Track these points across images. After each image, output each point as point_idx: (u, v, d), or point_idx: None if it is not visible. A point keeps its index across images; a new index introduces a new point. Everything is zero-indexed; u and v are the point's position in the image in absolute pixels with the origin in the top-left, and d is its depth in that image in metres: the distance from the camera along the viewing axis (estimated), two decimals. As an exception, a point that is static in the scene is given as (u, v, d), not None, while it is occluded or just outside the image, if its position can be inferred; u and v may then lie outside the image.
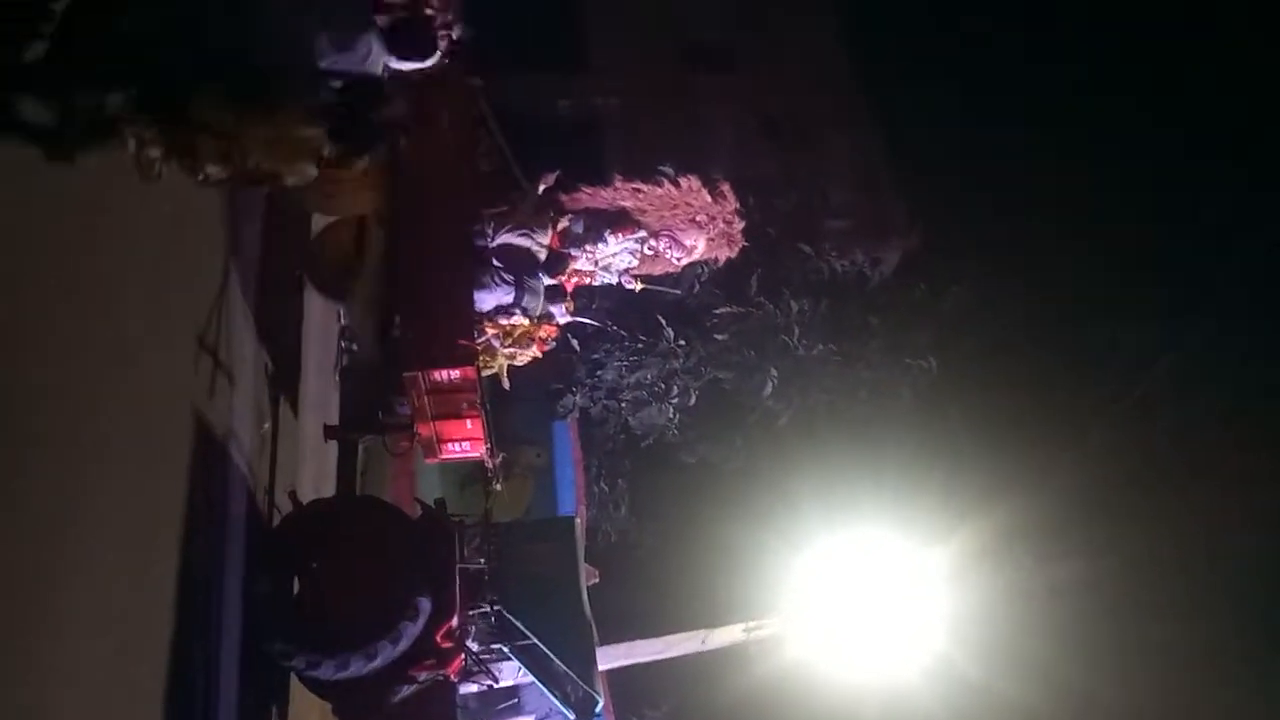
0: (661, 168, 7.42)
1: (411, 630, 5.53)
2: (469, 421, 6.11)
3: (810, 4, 18.72)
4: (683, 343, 13.00)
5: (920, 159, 15.99)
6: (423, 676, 5.66)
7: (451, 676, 5.82)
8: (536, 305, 6.73)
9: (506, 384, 7.02)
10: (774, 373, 12.98)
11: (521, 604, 6.04)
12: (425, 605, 5.60)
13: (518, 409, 10.92)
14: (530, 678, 6.18)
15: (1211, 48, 15.04)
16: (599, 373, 13.29)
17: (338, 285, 6.80)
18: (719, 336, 13.01)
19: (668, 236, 7.27)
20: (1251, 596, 13.39)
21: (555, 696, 6.13)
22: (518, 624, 5.97)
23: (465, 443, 6.26)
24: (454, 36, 5.22)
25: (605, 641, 6.88)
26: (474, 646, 5.95)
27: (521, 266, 6.68)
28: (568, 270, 7.09)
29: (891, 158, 17.02)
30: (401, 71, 5.18)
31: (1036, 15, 15.91)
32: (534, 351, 7.03)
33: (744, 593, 9.24)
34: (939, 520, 9.93)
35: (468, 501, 8.28)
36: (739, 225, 7.37)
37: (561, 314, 7.12)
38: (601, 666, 6.65)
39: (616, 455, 14.42)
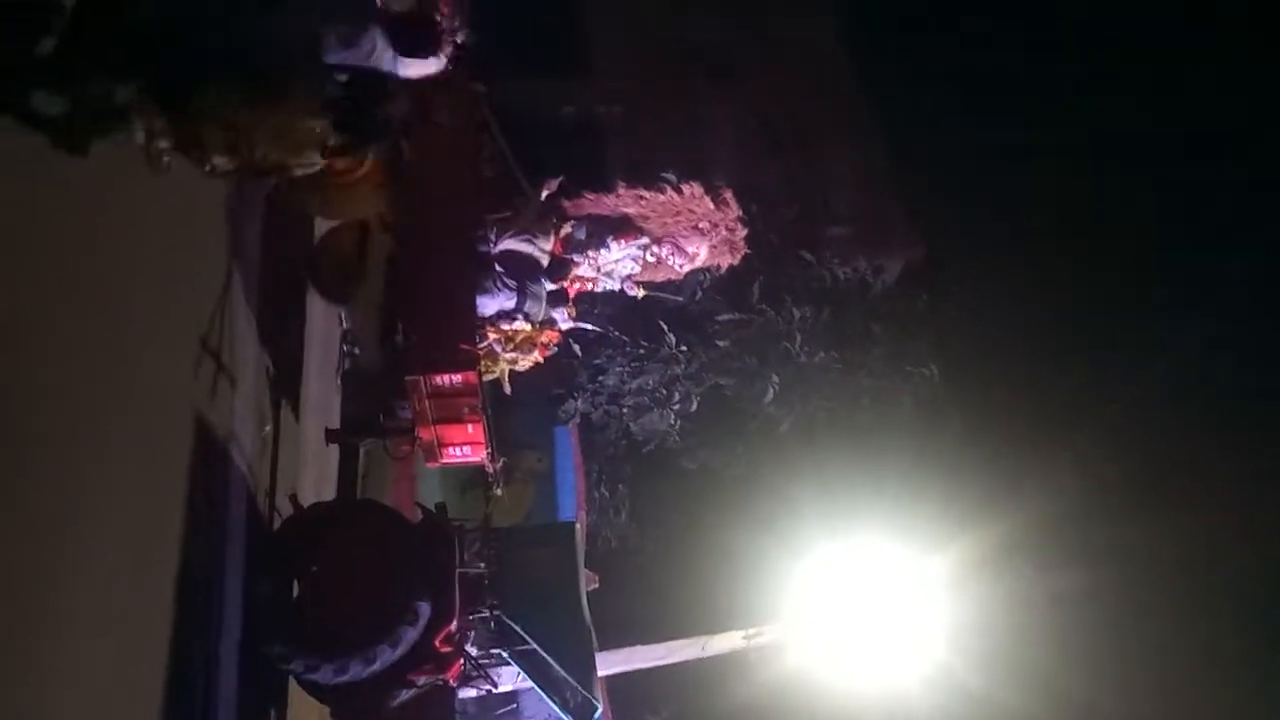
0: (664, 175, 7.43)
1: (411, 634, 5.53)
2: (470, 426, 6.12)
3: (813, 12, 18.76)
4: (684, 349, 13.01)
5: (923, 167, 16.02)
6: (421, 681, 5.66)
7: (450, 681, 5.82)
8: (538, 311, 6.74)
9: (508, 389, 7.03)
10: (775, 379, 12.98)
11: (521, 609, 6.04)
12: (425, 609, 5.60)
13: (519, 414, 10.92)
14: (529, 683, 6.17)
15: (1211, 48, 15.05)
16: (600, 378, 13.30)
17: (340, 289, 6.81)
18: (721, 343, 13.02)
19: (670, 243, 7.29)
20: (1252, 601, 13.37)
21: (554, 702, 6.12)
22: (517, 629, 5.96)
23: (466, 447, 6.26)
24: (459, 41, 5.24)
25: (605, 647, 6.88)
26: (473, 651, 5.95)
27: (524, 272, 6.69)
28: (570, 276, 7.11)
29: (894, 166, 17.04)
30: (409, 77, 5.22)
31: (1038, 21, 15.94)
32: (536, 357, 7.03)
33: (744, 599, 9.22)
34: (939, 528, 9.92)
35: (468, 506, 8.28)
36: (741, 232, 7.39)
37: (563, 319, 7.13)
38: (601, 672, 6.65)
39: (617, 461, 14.42)
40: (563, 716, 6.18)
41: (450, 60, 5.53)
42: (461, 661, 5.83)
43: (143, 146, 3.31)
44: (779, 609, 8.29)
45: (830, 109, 17.72)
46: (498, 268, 6.65)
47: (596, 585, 6.89)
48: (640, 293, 7.56)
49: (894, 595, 8.16)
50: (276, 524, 6.31)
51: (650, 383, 13.14)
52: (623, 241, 7.19)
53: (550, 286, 6.90)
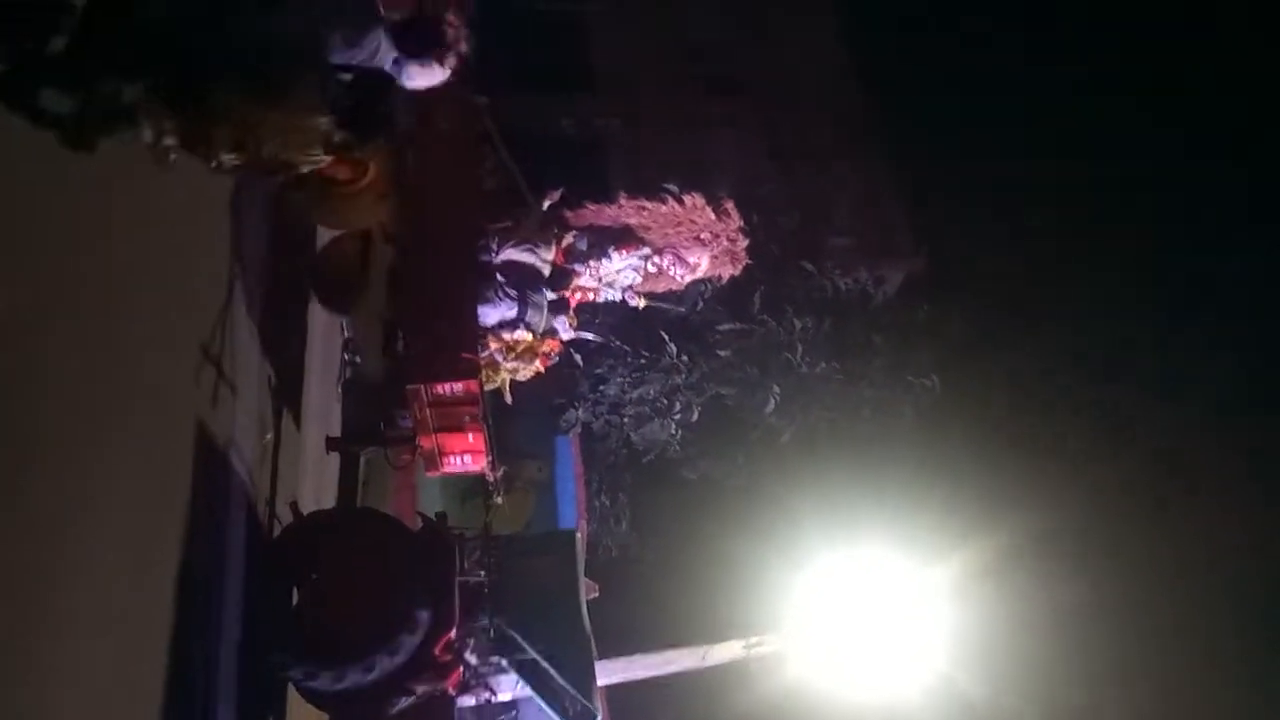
0: (666, 185, 7.48)
1: (410, 643, 5.53)
2: (471, 435, 6.13)
3: (814, 23, 18.85)
4: (685, 359, 13.03)
5: (924, 178, 16.07)
6: (421, 689, 5.65)
7: (450, 690, 5.81)
8: (540, 320, 6.77)
9: (509, 398, 7.05)
10: (776, 390, 12.99)
11: (521, 618, 6.04)
12: (424, 618, 5.60)
13: (520, 423, 10.93)
14: (529, 692, 6.16)
15: (1211, 48, 15.07)
16: (601, 388, 13.32)
17: (342, 298, 6.84)
18: (722, 353, 13.04)
19: (671, 253, 7.33)
20: (1256, 610, 13.32)
21: (554, 711, 6.11)
22: (517, 638, 5.96)
23: (467, 456, 6.28)
24: (462, 52, 5.29)
25: (604, 656, 6.86)
26: (473, 660, 5.94)
27: (525, 282, 6.73)
28: (571, 286, 7.14)
29: (895, 176, 17.09)
30: (413, 89, 5.27)
31: (1040, 26, 16.00)
32: (537, 366, 7.06)
33: (745, 609, 9.21)
34: (940, 538, 9.90)
35: (469, 514, 8.28)
36: (742, 243, 7.43)
37: (565, 329, 7.16)
38: (600, 681, 6.63)
39: (618, 470, 14.43)
40: (562, 726, 6.17)
41: (453, 72, 5.58)
42: (461, 670, 5.83)
43: (150, 145, 3.37)
44: (780, 619, 8.27)
45: (832, 120, 17.78)
46: (499, 277, 6.68)
47: (596, 594, 6.89)
48: (641, 303, 7.59)
49: (895, 606, 8.14)
50: (276, 532, 6.32)
51: (651, 392, 13.15)
52: (624, 252, 7.23)
53: (551, 296, 6.93)
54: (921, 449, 13.56)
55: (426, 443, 6.13)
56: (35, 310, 3.45)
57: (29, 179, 3.39)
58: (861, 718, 8.76)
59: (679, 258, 7.36)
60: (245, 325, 6.00)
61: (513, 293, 6.68)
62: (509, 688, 6.17)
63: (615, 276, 7.35)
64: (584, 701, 6.06)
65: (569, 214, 7.09)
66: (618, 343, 12.81)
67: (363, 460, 7.33)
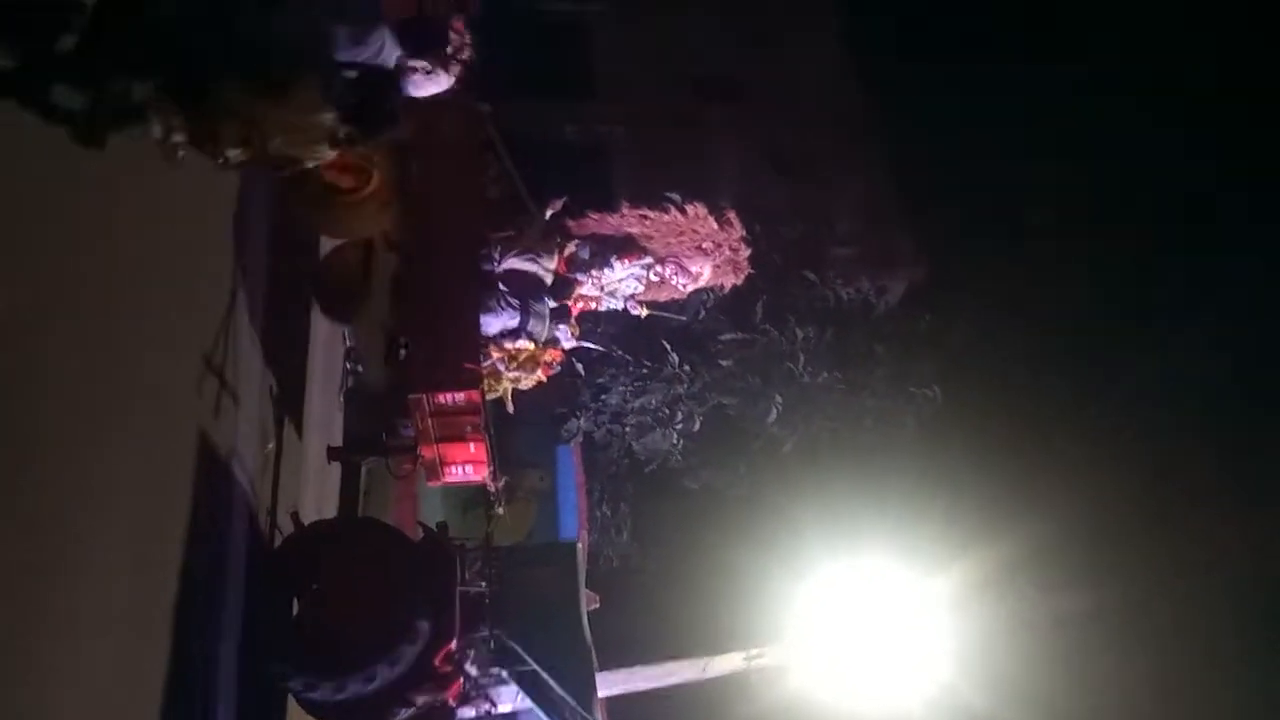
0: (668, 194, 7.48)
1: (410, 653, 5.51)
2: (473, 445, 6.12)
3: (818, 33, 18.89)
4: (687, 368, 13.03)
5: (926, 188, 16.07)
6: (421, 701, 5.63)
7: (450, 701, 5.79)
8: (542, 330, 6.76)
9: (511, 407, 7.04)
10: (778, 400, 12.98)
11: (521, 628, 6.01)
12: (425, 628, 5.58)
13: (521, 432, 10.92)
14: (529, 703, 6.13)
15: (1211, 48, 15.07)
16: (603, 397, 13.31)
17: (344, 307, 6.83)
18: (724, 363, 13.03)
19: (674, 263, 7.33)
20: (1257, 620, 13.26)
21: (554, 722, 6.08)
22: (517, 649, 5.94)
23: (468, 466, 6.26)
24: (466, 58, 5.30)
25: (605, 667, 6.83)
26: (473, 671, 5.92)
27: (527, 291, 6.72)
28: (573, 295, 7.14)
29: (898, 187, 17.11)
30: (416, 96, 5.29)
31: (1049, 48, 16.03)
32: (539, 375, 7.05)
33: (746, 620, 9.17)
34: (942, 549, 9.88)
35: (470, 524, 8.26)
36: (745, 252, 7.43)
37: (567, 338, 7.15)
38: (601, 693, 6.60)
39: (620, 480, 14.40)
40: (562, 737, 6.14)
41: (457, 79, 5.59)
42: (461, 681, 5.80)
43: (159, 141, 3.44)
44: (781, 630, 8.24)
45: (834, 130, 17.81)
46: (501, 286, 6.68)
47: (597, 605, 6.87)
48: (644, 312, 7.59)
49: (897, 616, 8.11)
50: (278, 541, 6.31)
51: (653, 402, 13.15)
52: (626, 261, 7.23)
53: (553, 305, 6.92)
54: (923, 459, 13.54)
55: (428, 452, 6.11)
56: (36, 315, 3.46)
57: (32, 184, 3.40)
58: (863, 729, 8.71)
59: (681, 267, 7.36)
60: (247, 334, 5.99)
61: (515, 302, 6.67)
62: (509, 699, 6.14)
63: (617, 285, 7.34)
64: (584, 713, 6.03)
65: (571, 223, 7.09)
66: (620, 352, 12.81)
67: (364, 470, 7.32)
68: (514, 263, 6.76)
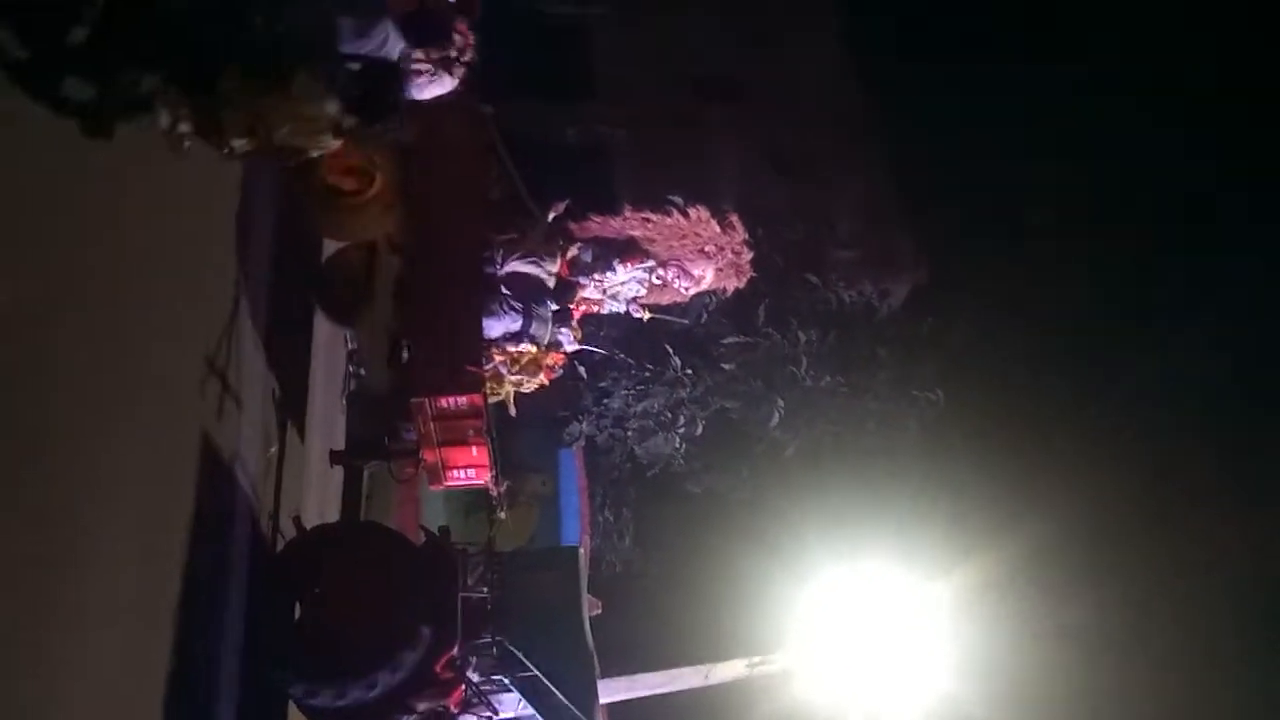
0: (670, 197, 7.46)
1: (412, 659, 5.47)
2: (475, 448, 6.09)
3: (819, 36, 18.87)
4: (690, 372, 13.00)
5: (927, 189, 16.06)
6: (422, 707, 5.59)
7: (451, 707, 5.75)
8: (544, 333, 6.73)
9: (513, 411, 7.01)
10: (781, 403, 12.95)
11: (523, 634, 5.97)
12: (426, 634, 5.55)
13: (524, 436, 10.89)
14: (530, 710, 6.10)
15: (1211, 48, 15.04)
16: (606, 401, 13.28)
17: (347, 309, 6.81)
18: (726, 366, 13.00)
19: (676, 266, 7.30)
20: (1260, 625, 13.21)
21: (555, 729, 6.05)
22: (519, 655, 5.90)
23: (470, 470, 6.24)
24: (469, 59, 5.30)
25: (607, 674, 6.80)
26: (474, 677, 5.88)
27: (530, 294, 6.70)
28: (576, 298, 7.11)
29: (899, 188, 17.09)
30: (419, 99, 5.28)
31: (1050, 49, 16.01)
32: (541, 379, 7.02)
33: (749, 625, 9.14)
34: (945, 553, 9.84)
35: (472, 528, 8.23)
36: (747, 255, 7.40)
37: (569, 342, 7.12)
38: (603, 699, 6.57)
39: (622, 484, 14.37)
40: (564, 743, 6.10)
41: (460, 81, 5.58)
42: (463, 687, 5.77)
43: (166, 131, 3.50)
44: (784, 635, 8.20)
45: (836, 132, 17.79)
46: (504, 290, 6.65)
47: (599, 611, 6.83)
48: (646, 315, 7.56)
49: (900, 622, 8.07)
50: (280, 545, 6.28)
51: (655, 406, 13.11)
52: (629, 264, 7.21)
53: (556, 308, 6.90)
54: (926, 462, 13.50)
55: (430, 456, 6.09)
56: (41, 313, 3.46)
57: (36, 184, 3.39)
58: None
59: (684, 270, 7.34)
60: (250, 336, 5.97)
61: (517, 305, 6.65)
62: (511, 705, 6.11)
63: (620, 289, 7.32)
64: (586, 720, 6.00)
65: (574, 225, 7.07)
66: (622, 355, 12.78)
67: (366, 473, 7.30)
68: (516, 265, 6.74)
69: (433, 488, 6.52)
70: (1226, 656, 13.10)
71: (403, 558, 5.92)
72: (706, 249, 7.32)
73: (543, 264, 6.82)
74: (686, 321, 12.21)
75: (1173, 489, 13.82)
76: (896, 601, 8.10)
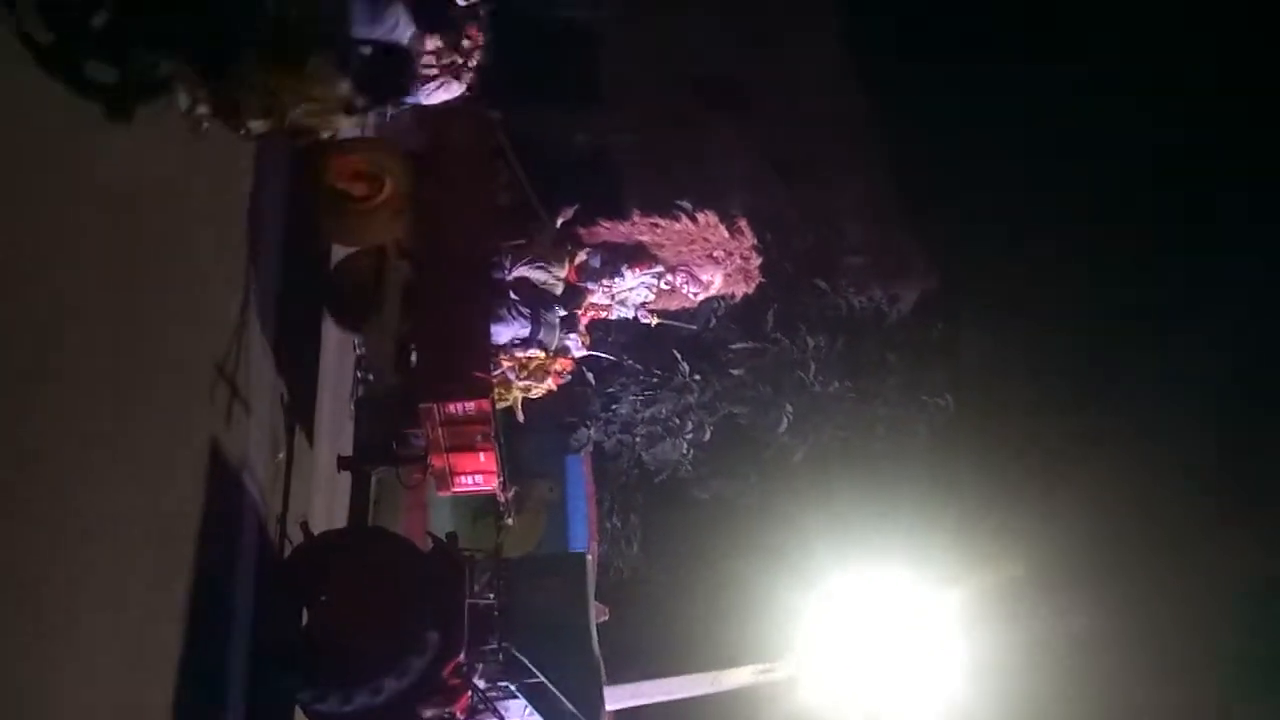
0: (679, 203, 7.47)
1: (419, 665, 5.46)
2: (482, 454, 6.09)
3: (828, 42, 18.86)
4: (698, 378, 12.98)
5: (936, 196, 16.02)
6: (429, 713, 5.57)
7: (458, 714, 5.73)
8: (552, 338, 6.73)
9: (521, 417, 7.01)
10: (789, 409, 12.92)
11: (530, 641, 5.96)
12: (434, 640, 5.53)
13: (531, 442, 10.88)
14: (537, 717, 6.08)
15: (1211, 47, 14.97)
16: (613, 407, 13.27)
17: (356, 315, 6.82)
18: (734, 372, 12.98)
19: (684, 271, 7.31)
20: (1276, 635, 13.09)
21: (563, 736, 6.02)
22: (526, 662, 5.88)
23: (478, 476, 6.23)
24: (477, 63, 5.32)
25: (614, 681, 6.77)
26: (481, 683, 5.86)
27: (538, 300, 6.71)
28: (584, 304, 7.11)
29: (909, 195, 17.04)
30: (428, 104, 5.31)
31: (1057, 52, 15.97)
32: (549, 385, 7.03)
33: (756, 632, 9.10)
34: (953, 560, 9.79)
35: (480, 534, 8.22)
36: (756, 261, 7.41)
37: (577, 347, 7.12)
38: (610, 707, 6.54)
39: (630, 490, 14.33)
40: (571, 751, 6.07)
41: (469, 87, 5.59)
42: (469, 694, 5.75)
43: (184, 112, 3.61)
44: (792, 642, 8.16)
45: (845, 138, 17.76)
46: (512, 295, 6.66)
47: (607, 617, 6.81)
48: (654, 321, 7.57)
49: (908, 630, 8.03)
50: (287, 551, 6.28)
51: (663, 411, 13.10)
52: (637, 269, 7.21)
53: (564, 314, 6.90)
54: (935, 468, 13.44)
55: (438, 462, 6.09)
56: (50, 318, 3.47)
57: (38, 185, 3.40)
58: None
59: (692, 275, 7.34)
60: (259, 341, 5.98)
61: (526, 310, 6.66)
62: (517, 712, 6.09)
63: (628, 294, 7.33)
64: (593, 727, 5.98)
65: (582, 231, 7.07)
66: (630, 361, 12.77)
67: (374, 479, 7.29)
68: (525, 271, 6.74)
69: (440, 493, 6.52)
70: (1237, 662, 12.99)
71: (410, 564, 5.90)
72: (715, 254, 7.33)
73: (551, 269, 6.82)
74: (695, 327, 12.20)
75: (1183, 493, 13.73)
76: (904, 608, 8.06)
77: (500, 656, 5.90)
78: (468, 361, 6.03)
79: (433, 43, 4.89)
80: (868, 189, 17.21)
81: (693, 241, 7.30)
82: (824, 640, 8.02)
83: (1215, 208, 15.24)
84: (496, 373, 6.47)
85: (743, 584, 11.70)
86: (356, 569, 5.76)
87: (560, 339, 6.88)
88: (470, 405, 5.89)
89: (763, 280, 7.70)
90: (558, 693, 5.89)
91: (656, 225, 7.21)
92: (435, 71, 5.35)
